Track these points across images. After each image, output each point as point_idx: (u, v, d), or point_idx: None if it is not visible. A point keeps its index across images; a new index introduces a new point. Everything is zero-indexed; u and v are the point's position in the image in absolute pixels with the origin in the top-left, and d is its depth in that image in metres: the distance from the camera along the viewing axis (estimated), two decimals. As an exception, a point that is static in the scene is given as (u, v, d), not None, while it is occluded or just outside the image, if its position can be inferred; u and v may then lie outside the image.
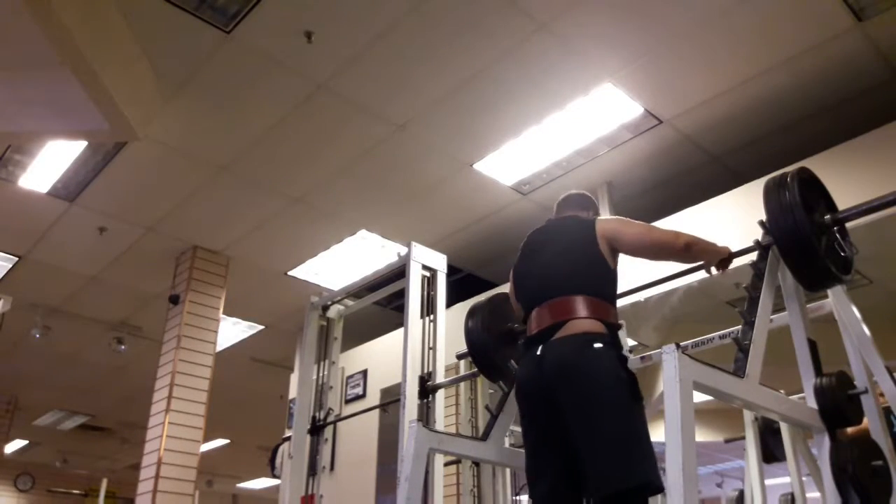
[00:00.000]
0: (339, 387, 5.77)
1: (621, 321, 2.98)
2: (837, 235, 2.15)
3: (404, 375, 3.21)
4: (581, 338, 1.95)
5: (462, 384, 4.96)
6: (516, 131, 4.25)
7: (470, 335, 2.94)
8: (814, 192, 2.18)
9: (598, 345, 1.93)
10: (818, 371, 2.12)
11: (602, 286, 2.09)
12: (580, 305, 2.02)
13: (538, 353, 2.02)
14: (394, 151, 4.44)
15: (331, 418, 3.84)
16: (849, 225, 2.20)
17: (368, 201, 5.00)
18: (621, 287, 2.27)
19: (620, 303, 4.16)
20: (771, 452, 3.84)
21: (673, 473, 1.58)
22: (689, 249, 2.14)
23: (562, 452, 1.94)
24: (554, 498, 1.97)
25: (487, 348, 2.89)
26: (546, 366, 1.98)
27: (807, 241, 2.02)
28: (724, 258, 2.22)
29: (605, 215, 2.35)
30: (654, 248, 2.18)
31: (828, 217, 2.14)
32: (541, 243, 2.29)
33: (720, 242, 2.25)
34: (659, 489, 1.81)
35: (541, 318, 2.08)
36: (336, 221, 5.22)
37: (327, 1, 3.38)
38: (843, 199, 2.23)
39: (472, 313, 2.99)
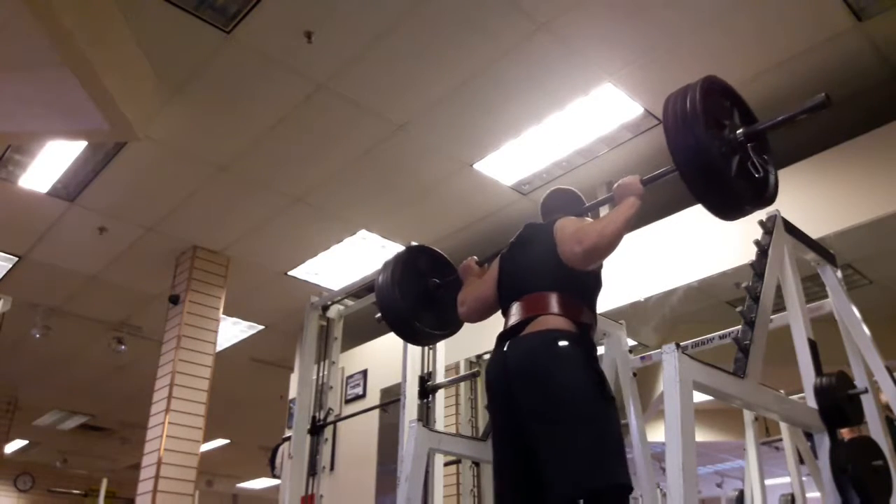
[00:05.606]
0: (339, 387, 5.77)
1: (621, 321, 2.98)
2: (751, 153, 1.83)
3: (404, 375, 3.21)
4: (546, 335, 1.90)
5: (462, 384, 4.97)
6: (516, 131, 4.25)
7: (380, 293, 2.58)
8: (722, 103, 1.86)
9: (563, 343, 1.86)
10: (818, 371, 2.12)
11: (576, 285, 2.02)
12: (551, 302, 1.96)
13: (505, 349, 1.97)
14: (394, 151, 4.44)
15: (331, 418, 3.84)
16: (849, 225, 2.17)
17: (368, 201, 5.00)
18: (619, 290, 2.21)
19: (620, 303, 4.17)
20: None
21: (673, 473, 1.58)
22: (620, 235, 1.95)
23: (520, 453, 1.87)
24: (504, 500, 1.91)
25: (399, 307, 2.54)
26: (510, 363, 1.93)
27: (711, 163, 1.69)
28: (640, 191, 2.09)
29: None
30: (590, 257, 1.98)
31: (740, 132, 1.82)
32: (523, 242, 2.23)
33: (720, 243, 2.24)
34: (628, 490, 1.73)
35: (513, 314, 2.04)
36: (336, 221, 5.22)
37: (327, 1, 3.37)
38: (844, 199, 2.23)
39: (383, 269, 2.63)
